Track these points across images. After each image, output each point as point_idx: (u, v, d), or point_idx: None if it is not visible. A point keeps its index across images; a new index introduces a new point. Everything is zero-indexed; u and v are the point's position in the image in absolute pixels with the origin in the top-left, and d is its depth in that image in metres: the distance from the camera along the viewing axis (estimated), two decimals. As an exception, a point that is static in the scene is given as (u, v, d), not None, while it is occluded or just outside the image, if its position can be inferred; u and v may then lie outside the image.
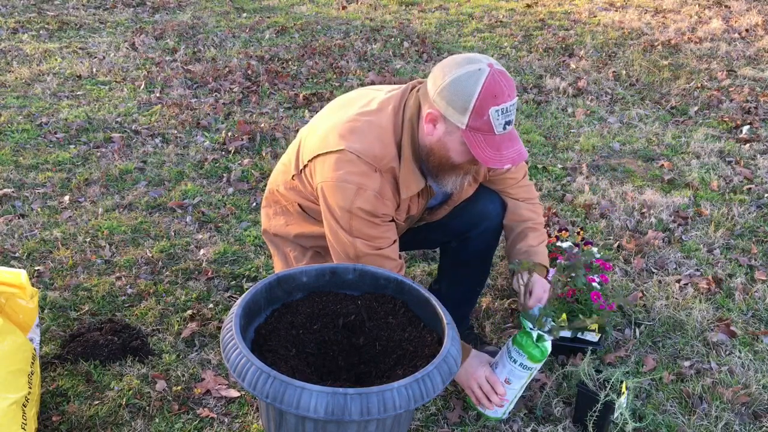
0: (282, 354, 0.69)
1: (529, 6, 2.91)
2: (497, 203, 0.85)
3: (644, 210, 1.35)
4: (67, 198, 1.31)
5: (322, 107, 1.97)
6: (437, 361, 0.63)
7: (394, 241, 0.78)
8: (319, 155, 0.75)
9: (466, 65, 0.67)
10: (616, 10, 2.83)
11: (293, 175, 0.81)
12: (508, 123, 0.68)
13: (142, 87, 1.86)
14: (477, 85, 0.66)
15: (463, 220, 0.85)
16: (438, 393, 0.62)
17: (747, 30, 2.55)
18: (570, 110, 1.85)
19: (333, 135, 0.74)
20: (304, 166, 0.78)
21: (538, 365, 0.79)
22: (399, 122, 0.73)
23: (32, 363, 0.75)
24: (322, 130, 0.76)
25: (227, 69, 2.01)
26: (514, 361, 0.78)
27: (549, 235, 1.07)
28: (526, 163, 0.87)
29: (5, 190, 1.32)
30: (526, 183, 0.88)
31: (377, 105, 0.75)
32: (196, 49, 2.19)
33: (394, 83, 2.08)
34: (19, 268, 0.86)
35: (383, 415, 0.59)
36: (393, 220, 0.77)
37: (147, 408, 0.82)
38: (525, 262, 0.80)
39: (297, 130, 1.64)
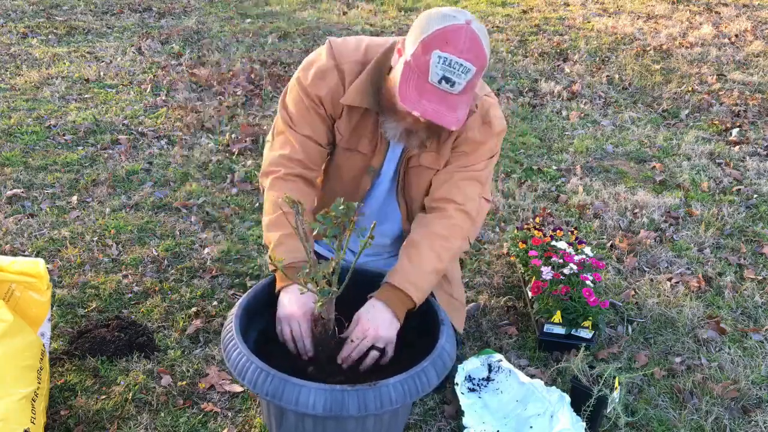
0: (283, 352, 0.70)
1: (524, 12, 2.95)
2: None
3: (636, 210, 1.38)
4: (75, 198, 1.33)
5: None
6: (432, 357, 0.64)
7: (316, 144, 0.73)
8: None
9: (447, 10, 0.64)
10: (609, 16, 2.87)
11: None
12: (446, 79, 0.62)
13: (148, 90, 1.89)
14: (439, 24, 0.62)
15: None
16: (433, 387, 0.63)
17: (736, 35, 2.58)
18: (564, 113, 1.88)
19: None
20: None
21: None
22: (376, 51, 0.71)
23: (41, 359, 0.77)
24: None
25: (231, 73, 2.04)
26: None
27: (544, 235, 1.09)
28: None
29: (15, 190, 1.34)
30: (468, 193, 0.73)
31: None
32: (200, 54, 2.22)
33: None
34: (31, 265, 0.89)
35: (380, 410, 0.60)
36: (330, 124, 0.72)
37: (152, 402, 0.84)
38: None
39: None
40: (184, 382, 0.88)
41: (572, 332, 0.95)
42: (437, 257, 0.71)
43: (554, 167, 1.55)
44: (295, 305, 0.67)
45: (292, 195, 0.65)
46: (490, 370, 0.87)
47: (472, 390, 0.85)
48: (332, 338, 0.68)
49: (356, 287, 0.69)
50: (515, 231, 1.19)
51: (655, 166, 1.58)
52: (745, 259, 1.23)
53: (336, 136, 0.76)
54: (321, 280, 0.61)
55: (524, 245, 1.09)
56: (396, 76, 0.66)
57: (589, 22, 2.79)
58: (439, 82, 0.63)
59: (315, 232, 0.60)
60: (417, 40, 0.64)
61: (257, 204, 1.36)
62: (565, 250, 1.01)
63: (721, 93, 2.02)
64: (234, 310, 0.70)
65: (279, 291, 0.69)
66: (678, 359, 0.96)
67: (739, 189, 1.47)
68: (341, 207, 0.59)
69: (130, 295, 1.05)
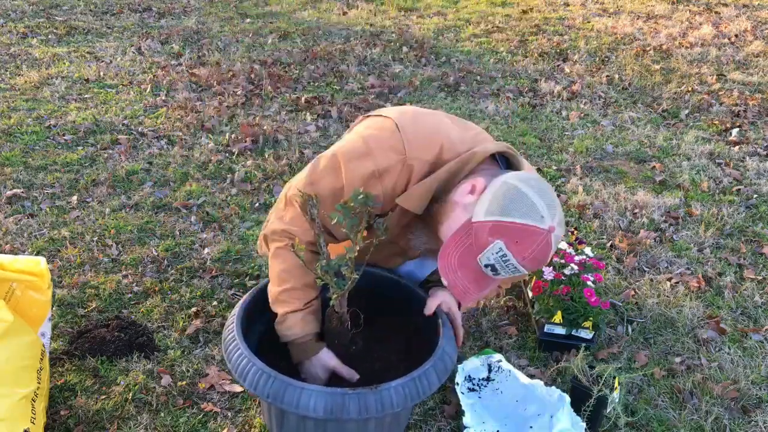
0: (284, 354, 0.70)
1: (524, 12, 2.96)
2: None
3: (636, 210, 1.38)
4: (75, 198, 1.33)
5: (323, 110, 1.98)
6: (433, 359, 0.64)
7: (333, 234, 0.65)
8: (363, 117, 0.64)
9: (538, 201, 0.54)
10: (609, 16, 2.87)
11: None
12: (493, 269, 0.57)
13: (148, 90, 1.90)
14: (522, 218, 0.54)
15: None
16: (434, 391, 0.64)
17: (736, 35, 2.59)
18: (564, 113, 1.88)
19: (391, 109, 0.63)
20: None
21: None
22: (453, 154, 0.60)
23: (41, 359, 0.77)
24: None
25: (231, 73, 2.05)
26: None
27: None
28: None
29: (15, 190, 1.34)
30: None
31: (464, 125, 0.64)
32: (200, 54, 2.22)
33: (393, 86, 2.12)
34: (31, 265, 0.89)
35: (381, 413, 0.60)
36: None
37: (152, 402, 0.84)
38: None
39: (299, 133, 1.68)
40: (184, 382, 0.88)
41: (572, 332, 0.95)
42: None
43: (554, 167, 1.56)
44: (321, 373, 0.69)
45: (298, 265, 0.64)
46: (490, 370, 0.88)
47: (472, 390, 0.86)
48: (348, 332, 0.68)
49: (367, 286, 0.70)
50: (515, 231, 1.19)
51: (655, 166, 1.58)
52: (745, 259, 1.23)
53: (377, 231, 0.63)
54: (336, 270, 0.60)
55: (524, 245, 1.09)
56: (456, 215, 0.59)
57: (589, 22, 2.80)
58: (486, 266, 0.57)
59: (334, 222, 0.58)
60: (492, 213, 0.55)
61: (257, 204, 1.36)
62: (565, 250, 1.01)
63: (721, 93, 2.03)
64: (235, 311, 0.70)
65: (297, 362, 0.70)
66: (678, 359, 0.96)
67: (739, 189, 1.47)
68: (360, 197, 0.58)
69: (130, 295, 1.05)
